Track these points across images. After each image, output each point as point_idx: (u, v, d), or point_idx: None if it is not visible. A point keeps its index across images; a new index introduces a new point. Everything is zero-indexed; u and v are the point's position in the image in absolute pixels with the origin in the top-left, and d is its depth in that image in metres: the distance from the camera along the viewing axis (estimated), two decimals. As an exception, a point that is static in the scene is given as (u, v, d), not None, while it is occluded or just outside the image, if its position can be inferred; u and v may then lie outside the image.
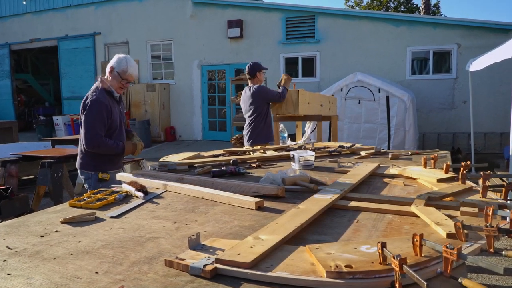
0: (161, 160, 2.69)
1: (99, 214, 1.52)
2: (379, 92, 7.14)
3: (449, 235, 1.09)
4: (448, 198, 1.52)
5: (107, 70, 2.73)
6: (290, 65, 10.63)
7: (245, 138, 4.18)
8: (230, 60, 10.94)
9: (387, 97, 7.10)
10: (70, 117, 11.90)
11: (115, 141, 2.73)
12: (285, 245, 1.09)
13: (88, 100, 2.61)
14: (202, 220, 1.41)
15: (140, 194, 1.74)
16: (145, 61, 12.05)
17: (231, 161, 2.51)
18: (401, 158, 2.61)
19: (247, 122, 4.15)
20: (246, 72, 4.11)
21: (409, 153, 2.74)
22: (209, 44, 11.09)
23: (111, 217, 1.48)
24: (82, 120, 2.64)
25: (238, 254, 1.00)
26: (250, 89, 4.05)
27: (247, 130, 4.11)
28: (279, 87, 4.12)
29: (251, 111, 4.06)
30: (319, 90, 9.30)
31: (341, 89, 7.45)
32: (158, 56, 12.11)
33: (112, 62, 2.72)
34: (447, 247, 0.87)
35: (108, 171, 2.75)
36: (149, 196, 1.74)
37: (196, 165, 2.53)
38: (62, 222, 1.41)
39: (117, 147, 2.72)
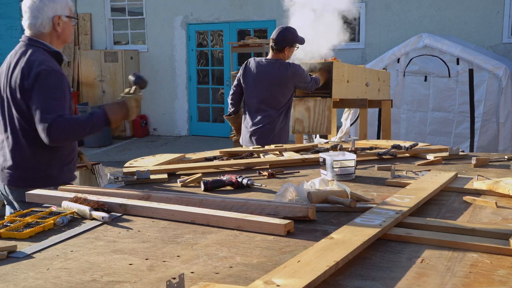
0: (126, 165, 2.71)
1: (29, 247, 1.52)
2: (458, 63, 7.08)
3: None
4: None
5: (44, 24, 2.60)
6: (321, 23, 10.57)
7: (248, 135, 4.12)
8: (230, 16, 10.94)
9: (471, 71, 7.03)
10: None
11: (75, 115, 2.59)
12: (312, 294, 1.09)
13: (40, 68, 2.48)
14: (188, 255, 1.42)
15: (102, 215, 1.74)
16: (101, 16, 12.10)
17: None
18: (492, 165, 2.61)
19: (259, 115, 4.07)
20: (272, 38, 3.99)
21: (505, 157, 2.75)
22: (199, -8, 11.13)
23: (40, 250, 1.47)
24: (34, 97, 2.47)
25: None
26: (280, 66, 3.95)
27: (263, 126, 4.03)
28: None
29: (276, 99, 3.98)
30: (364, 61, 9.25)
31: (398, 60, 7.41)
32: (122, 9, 12.17)
33: (44, 9, 2.58)
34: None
35: (70, 181, 2.67)
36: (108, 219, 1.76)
37: (180, 172, 2.54)
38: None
39: (93, 119, 2.52)
